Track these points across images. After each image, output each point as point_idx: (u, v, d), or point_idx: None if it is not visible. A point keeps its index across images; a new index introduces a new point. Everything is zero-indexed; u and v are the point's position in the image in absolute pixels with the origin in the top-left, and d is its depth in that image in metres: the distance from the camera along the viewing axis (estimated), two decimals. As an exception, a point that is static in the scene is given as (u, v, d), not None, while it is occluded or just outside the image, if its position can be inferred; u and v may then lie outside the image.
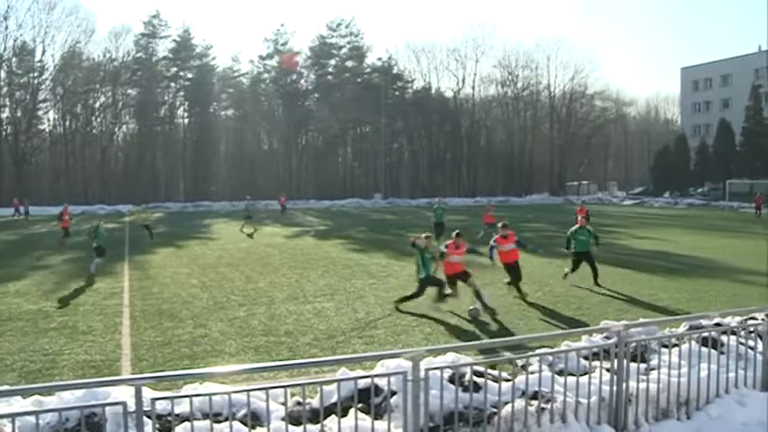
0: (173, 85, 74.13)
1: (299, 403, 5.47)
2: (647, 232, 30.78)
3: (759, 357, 6.75)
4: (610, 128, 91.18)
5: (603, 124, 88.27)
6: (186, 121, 76.44)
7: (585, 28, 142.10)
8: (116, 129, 73.57)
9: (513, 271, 13.90)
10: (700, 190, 70.26)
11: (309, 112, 76.90)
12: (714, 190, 66.68)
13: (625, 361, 5.82)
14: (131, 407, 4.17)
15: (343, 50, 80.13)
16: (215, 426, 4.77)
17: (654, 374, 6.22)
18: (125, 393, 4.91)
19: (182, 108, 76.09)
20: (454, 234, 12.99)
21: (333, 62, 79.90)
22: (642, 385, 5.98)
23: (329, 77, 79.10)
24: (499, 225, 14.37)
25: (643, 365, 6.40)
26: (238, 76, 78.53)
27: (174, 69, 73.51)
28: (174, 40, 73.19)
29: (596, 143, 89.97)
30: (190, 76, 73.77)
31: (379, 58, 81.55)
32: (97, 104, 71.34)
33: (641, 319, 7.96)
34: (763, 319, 6.96)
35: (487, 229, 26.34)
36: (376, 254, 22.15)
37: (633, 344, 6.24)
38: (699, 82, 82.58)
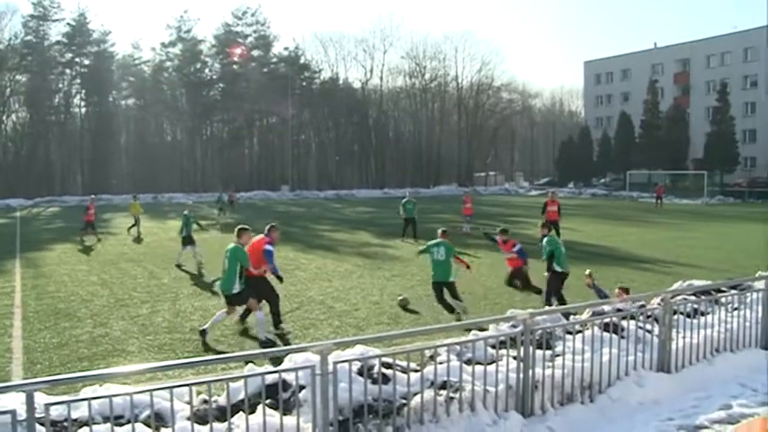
0: (68, 71, 70.15)
1: (205, 401, 5.36)
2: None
3: (656, 340, 7.20)
4: (516, 119, 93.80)
5: (510, 116, 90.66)
6: (83, 110, 72.72)
7: (492, 21, 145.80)
8: (4, 117, 69.07)
9: (521, 278, 12.97)
10: (602, 180, 73.63)
11: (214, 102, 74.97)
12: (615, 180, 70.00)
13: (531, 348, 6.03)
14: (21, 415, 3.96)
15: (249, 39, 78.52)
16: (116, 429, 4.61)
17: (559, 360, 6.45)
18: (15, 401, 4.65)
19: (78, 96, 72.25)
20: (498, 230, 13.14)
21: (238, 51, 78.22)
22: (548, 371, 6.21)
23: (234, 67, 77.33)
24: (498, 231, 13.76)
25: (548, 352, 6.61)
26: (139, 63, 75.48)
27: (70, 55, 69.57)
28: (69, 24, 69.12)
29: (503, 134, 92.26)
30: (87, 62, 70.07)
31: (286, 48, 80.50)
32: (-20, 91, 66.70)
33: (546, 308, 8.29)
34: (659, 304, 7.40)
35: (469, 220, 26.84)
36: (282, 247, 21.88)
37: (539, 331, 6.46)
38: (601, 76, 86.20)
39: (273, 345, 9.36)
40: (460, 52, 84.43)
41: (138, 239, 24.54)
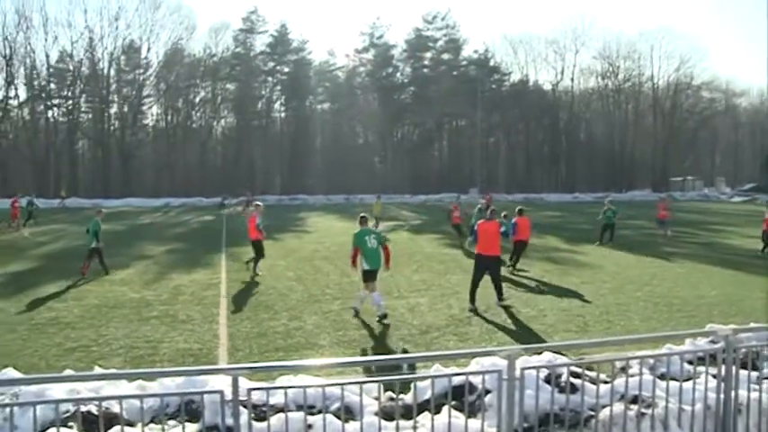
0: (270, 79, 76.40)
1: (392, 399, 5.50)
2: (758, 231, 28.83)
3: None
4: (718, 120, 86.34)
5: (711, 117, 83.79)
6: (283, 114, 78.64)
7: (692, 14, 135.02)
8: (215, 123, 76.57)
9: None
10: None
11: (405, 105, 77.24)
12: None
13: (734, 367, 5.50)
14: (228, 396, 4.31)
15: (439, 43, 79.99)
16: (309, 418, 4.87)
17: (767, 384, 5.84)
18: (222, 382, 5.08)
19: (278, 102, 78.40)
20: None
21: (429, 55, 79.93)
22: (754, 395, 5.62)
23: (425, 70, 79.14)
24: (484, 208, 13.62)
25: (755, 374, 6.02)
26: (334, 69, 79.95)
27: (272, 64, 75.77)
28: (272, 35, 75.49)
29: (703, 137, 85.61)
30: (286, 70, 75.85)
31: (476, 51, 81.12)
32: (197, 99, 74.57)
33: (752, 324, 7.51)
34: None
35: (665, 224, 25.64)
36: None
37: (743, 350, 5.89)
38: (823, 69, 77.00)
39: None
40: (656, 50, 79.53)
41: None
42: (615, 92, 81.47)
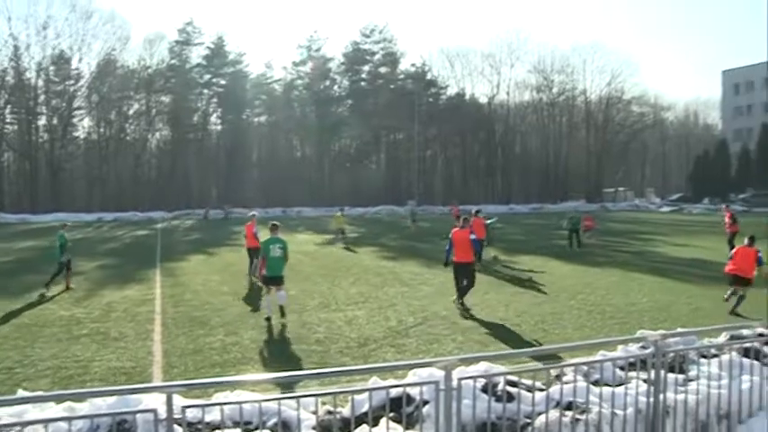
0: (206, 91, 75.33)
1: (329, 412, 5.47)
2: (685, 240, 30.23)
3: (804, 369, 6.58)
4: (647, 133, 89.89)
5: (641, 130, 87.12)
6: (219, 127, 77.56)
7: (622, 31, 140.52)
8: (149, 136, 74.87)
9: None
10: (741, 196, 68.70)
11: (343, 118, 77.32)
12: (756, 196, 65.10)
13: (662, 371, 5.72)
14: (162, 414, 4.21)
15: (377, 56, 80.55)
16: (245, 434, 4.80)
17: (693, 386, 6.11)
18: (156, 401, 4.96)
19: (215, 115, 77.35)
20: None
21: (366, 68, 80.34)
22: (680, 397, 5.86)
23: (363, 84, 79.51)
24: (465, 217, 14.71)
25: (681, 376, 6.29)
26: (271, 82, 79.42)
27: (208, 76, 74.72)
28: (208, 47, 74.48)
29: (633, 149, 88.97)
30: (223, 82, 74.92)
31: (413, 64, 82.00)
32: (131, 111, 72.77)
33: (679, 329, 7.82)
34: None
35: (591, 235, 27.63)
36: (408, 261, 22.13)
37: (671, 354, 6.13)
38: (740, 85, 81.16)
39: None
40: (589, 64, 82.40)
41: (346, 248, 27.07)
42: (549, 105, 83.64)
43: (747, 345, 6.81)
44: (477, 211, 19.64)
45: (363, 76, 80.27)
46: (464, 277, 13.16)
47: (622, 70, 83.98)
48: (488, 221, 22.28)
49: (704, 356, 6.78)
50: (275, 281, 12.25)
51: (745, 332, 7.36)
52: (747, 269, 12.83)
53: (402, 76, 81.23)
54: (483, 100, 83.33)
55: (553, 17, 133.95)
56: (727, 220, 23.78)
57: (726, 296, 13.27)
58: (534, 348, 7.00)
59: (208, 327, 11.77)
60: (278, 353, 10.00)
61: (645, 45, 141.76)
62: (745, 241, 13.41)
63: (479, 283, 16.75)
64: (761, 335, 7.25)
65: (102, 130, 71.65)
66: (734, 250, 13.71)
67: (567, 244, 25.69)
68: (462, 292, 13.23)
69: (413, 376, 5.91)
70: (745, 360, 6.62)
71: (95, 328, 11.65)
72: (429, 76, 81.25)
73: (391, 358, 9.53)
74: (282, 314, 12.20)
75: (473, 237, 13.22)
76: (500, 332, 11.25)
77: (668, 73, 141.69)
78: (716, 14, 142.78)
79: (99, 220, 54.74)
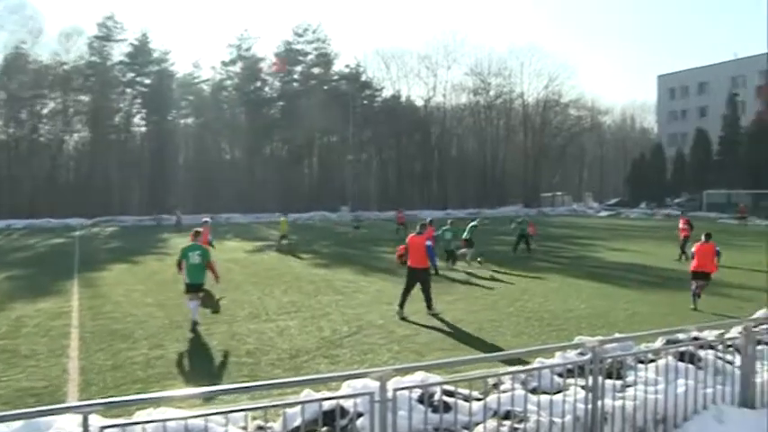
0: (129, 91, 73.11)
1: (260, 428, 5.39)
2: (623, 244, 31.28)
3: (737, 372, 6.88)
4: (585, 137, 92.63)
5: (578, 133, 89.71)
6: (143, 129, 75.53)
7: (560, 35, 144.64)
8: (66, 137, 72.23)
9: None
10: (677, 200, 71.69)
11: (274, 120, 76.62)
12: (691, 200, 68.09)
13: (600, 378, 5.86)
14: (77, 436, 4.05)
15: (310, 57, 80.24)
16: (169, 454, 4.66)
17: (630, 391, 6.29)
18: (71, 422, 4.78)
19: (138, 115, 75.19)
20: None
21: (299, 69, 79.93)
22: (618, 403, 6.03)
23: (295, 85, 79.03)
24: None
25: (619, 382, 6.49)
26: (199, 82, 77.96)
27: (131, 75, 72.59)
28: (131, 44, 72.28)
29: (571, 153, 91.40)
30: (147, 81, 72.92)
31: (347, 65, 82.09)
32: (45, 111, 69.84)
33: (617, 335, 8.06)
34: (740, 333, 7.09)
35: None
36: (341, 269, 22.10)
37: (608, 360, 6.29)
38: (675, 90, 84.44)
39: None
40: (526, 67, 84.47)
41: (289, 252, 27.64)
42: (487, 108, 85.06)
43: (683, 349, 7.07)
44: (431, 221, 19.80)
45: (296, 76, 79.80)
46: (418, 282, 13.69)
47: (559, 73, 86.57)
48: (471, 224, 23.79)
49: (641, 362, 7.00)
50: (195, 288, 12.46)
51: (680, 336, 7.64)
52: (709, 264, 14.23)
53: (336, 78, 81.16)
54: (419, 102, 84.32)
55: (490, 19, 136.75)
56: (682, 225, 24.73)
57: (696, 290, 14.39)
58: (471, 357, 7.07)
59: (130, 340, 11.43)
60: (206, 366, 9.81)
61: (582, 48, 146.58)
62: (702, 238, 14.63)
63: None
64: (695, 338, 7.55)
65: (11, 130, 68.30)
66: (693, 249, 14.90)
67: (511, 249, 26.33)
68: (427, 301, 13.73)
69: (347, 388, 5.89)
70: (681, 364, 6.89)
71: (2, 346, 11.13)
72: (364, 78, 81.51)
73: (324, 370, 9.47)
74: (195, 324, 12.25)
75: (429, 243, 13.72)
76: (437, 341, 11.33)
77: (605, 77, 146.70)
78: (652, 19, 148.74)
79: (8, 227, 52.26)
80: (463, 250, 22.60)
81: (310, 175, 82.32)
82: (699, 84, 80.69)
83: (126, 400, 5.68)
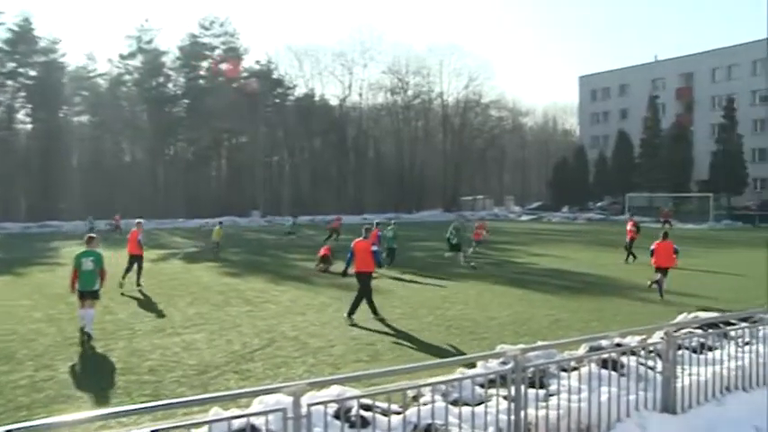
0: (10, 83, 69.33)
1: (163, 451, 5.22)
2: (545, 249, 32.20)
3: (659, 378, 7.16)
4: (506, 139, 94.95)
5: (499, 135, 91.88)
6: (29, 126, 72.20)
7: (480, 34, 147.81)
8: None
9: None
10: (599, 204, 74.44)
11: (178, 119, 75.01)
12: (613, 204, 70.88)
13: (523, 387, 5.97)
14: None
15: (217, 51, 79.00)
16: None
17: (553, 401, 6.43)
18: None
19: (23, 111, 71.76)
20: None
21: (205, 64, 78.59)
22: (541, 413, 6.15)
23: (201, 81, 77.66)
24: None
25: (542, 391, 6.61)
26: (95, 76, 75.39)
27: (12, 65, 68.88)
28: (11, 30, 68.42)
29: (492, 155, 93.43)
30: (33, 73, 69.55)
31: (258, 62, 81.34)
32: None
33: (539, 342, 8.25)
34: (662, 338, 7.38)
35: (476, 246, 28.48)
36: (252, 278, 21.85)
37: (531, 369, 6.42)
38: (597, 91, 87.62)
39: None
40: (446, 66, 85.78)
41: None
42: (405, 108, 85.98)
43: (605, 356, 7.31)
44: (378, 223, 21.16)
45: (202, 72, 78.45)
46: (361, 287, 14.20)
47: (480, 73, 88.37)
48: (388, 228, 25.00)
49: (564, 370, 7.17)
50: (88, 295, 12.52)
51: (603, 343, 7.89)
52: (669, 260, 17.24)
53: (246, 74, 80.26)
54: (334, 102, 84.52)
55: (408, 16, 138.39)
56: (631, 227, 26.55)
57: (649, 283, 17.96)
58: (390, 368, 7.09)
59: (13, 361, 10.85)
60: (103, 386, 9.43)
61: (502, 48, 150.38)
62: (661, 237, 17.71)
63: (332, 300, 16.90)
64: (618, 345, 7.83)
65: None
66: (654, 246, 17.65)
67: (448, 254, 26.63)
68: (370, 306, 14.20)
69: (258, 404, 5.80)
70: (604, 371, 7.12)
71: None
72: (275, 75, 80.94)
73: (234, 386, 9.30)
74: (89, 338, 12.14)
75: (375, 248, 14.49)
76: (354, 352, 11.32)
77: (527, 77, 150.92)
78: (574, 19, 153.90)
79: None
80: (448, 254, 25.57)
81: (218, 177, 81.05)
82: (620, 85, 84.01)
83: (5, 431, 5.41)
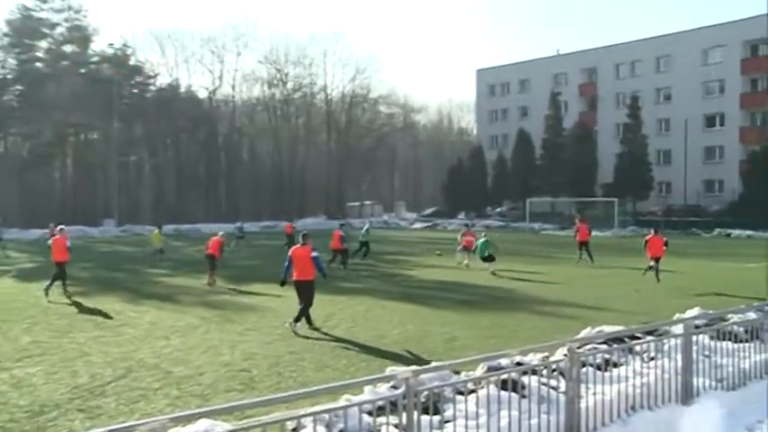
0: None
1: None
2: (439, 260, 32.68)
3: (562, 398, 7.30)
4: (397, 138, 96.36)
5: (389, 134, 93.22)
6: None
7: (367, 23, 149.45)
8: None
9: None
10: (498, 210, 76.54)
11: (10, 110, 71.77)
12: (513, 209, 73.11)
13: (415, 414, 5.97)
14: None
15: (59, 30, 76.39)
16: None
17: (449, 428, 6.50)
18: None
19: None
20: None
21: (44, 45, 75.70)
22: (437, 440, 6.12)
23: (39, 65, 74.62)
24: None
25: (437, 418, 6.72)
26: None
27: None
28: None
29: (381, 156, 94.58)
30: None
31: (111, 45, 79.19)
32: None
33: (433, 363, 8.24)
34: (565, 355, 7.52)
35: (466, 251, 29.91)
36: (105, 297, 21.07)
37: (425, 393, 6.44)
38: (495, 87, 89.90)
39: None
40: (330, 57, 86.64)
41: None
42: (283, 103, 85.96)
43: (505, 376, 7.38)
44: (342, 225, 24.07)
45: (40, 54, 75.47)
46: (301, 295, 15.15)
47: (368, 65, 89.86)
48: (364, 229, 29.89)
49: (461, 393, 7.19)
50: None
51: (503, 362, 7.97)
52: (660, 251, 22.97)
53: (96, 59, 78.12)
54: (202, 93, 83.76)
55: (286, 1, 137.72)
56: (581, 226, 31.33)
57: (644, 271, 23.80)
58: (266, 398, 6.89)
59: None
60: None
61: (392, 38, 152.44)
62: (652, 233, 23.88)
63: (200, 321, 16.46)
64: (519, 364, 7.93)
65: None
66: (647, 239, 23.61)
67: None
68: (301, 313, 15.00)
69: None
70: (504, 393, 7.22)
71: None
72: (133, 61, 79.41)
73: (80, 427, 8.81)
74: None
75: (315, 254, 15.31)
76: (225, 380, 11.03)
77: (419, 72, 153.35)
78: (471, 7, 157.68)
79: None
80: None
81: (62, 179, 78.19)
82: (520, 80, 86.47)
83: None
